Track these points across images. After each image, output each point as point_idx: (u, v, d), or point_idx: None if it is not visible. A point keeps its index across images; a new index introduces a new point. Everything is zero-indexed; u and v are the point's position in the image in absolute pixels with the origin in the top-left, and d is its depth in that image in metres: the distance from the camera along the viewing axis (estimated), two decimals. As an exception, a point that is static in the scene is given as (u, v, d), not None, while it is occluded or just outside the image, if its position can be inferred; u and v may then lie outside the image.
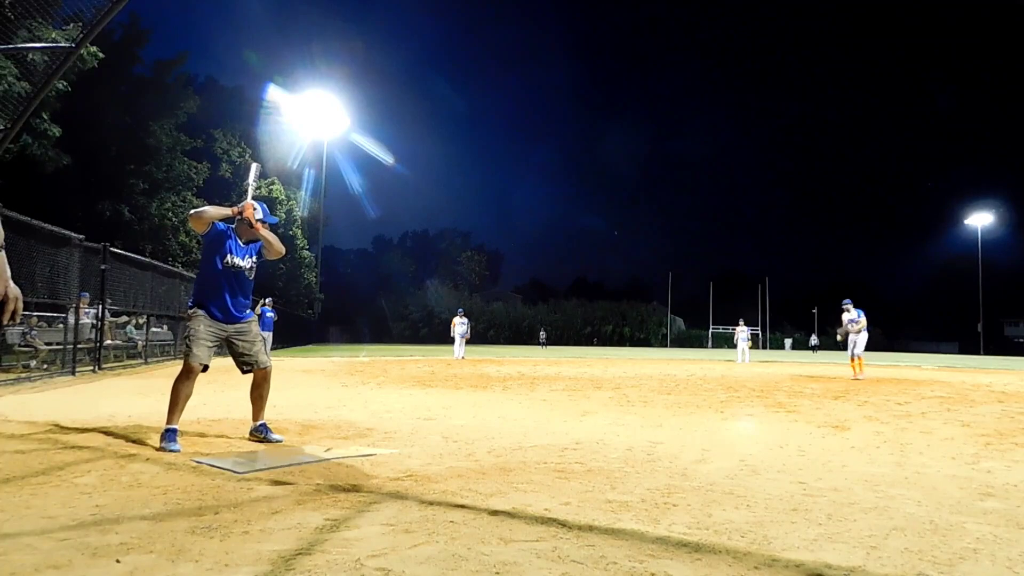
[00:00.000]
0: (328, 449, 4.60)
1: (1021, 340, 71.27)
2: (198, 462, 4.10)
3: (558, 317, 77.94)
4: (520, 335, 70.29)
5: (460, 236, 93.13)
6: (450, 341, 24.95)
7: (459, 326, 23.87)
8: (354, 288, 72.72)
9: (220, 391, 9.14)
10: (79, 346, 12.03)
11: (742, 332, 24.45)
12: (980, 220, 62.99)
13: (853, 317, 15.14)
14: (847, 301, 15.43)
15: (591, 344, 70.37)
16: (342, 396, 8.76)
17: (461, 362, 19.97)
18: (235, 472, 3.80)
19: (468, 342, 24.73)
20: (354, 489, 3.44)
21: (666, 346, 72.74)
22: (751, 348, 25.45)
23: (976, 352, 53.58)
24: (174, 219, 30.70)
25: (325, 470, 3.95)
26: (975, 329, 59.06)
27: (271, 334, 19.82)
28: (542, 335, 54.63)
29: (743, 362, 22.80)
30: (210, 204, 6.40)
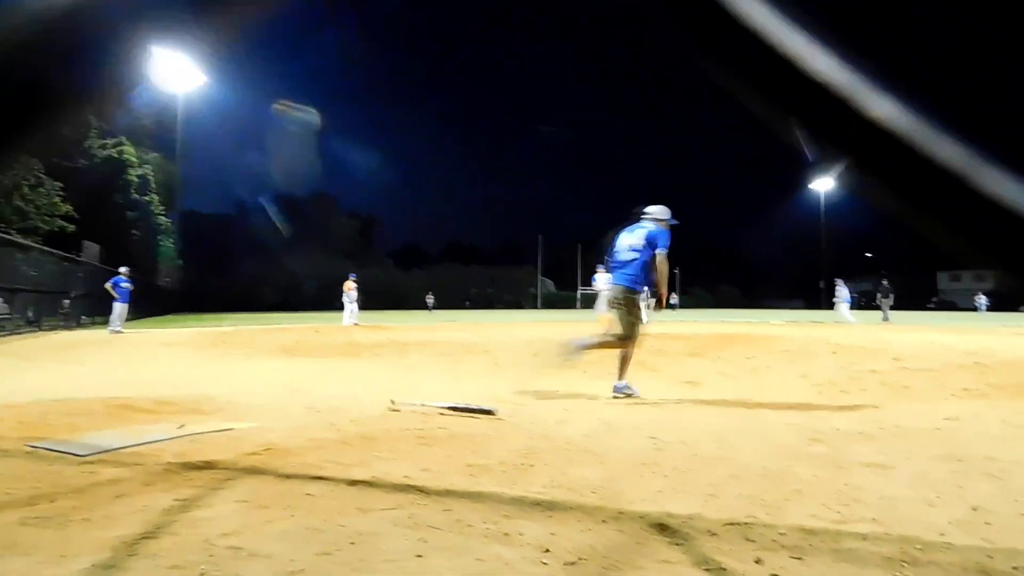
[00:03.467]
0: (182, 426, 4.40)
1: (857, 295, 78.07)
2: (33, 447, 3.81)
3: (433, 281, 77.83)
4: (396, 300, 69.54)
5: (330, 200, 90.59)
6: (332, 307, 24.51)
7: (352, 291, 23.47)
8: (218, 254, 69.15)
9: (63, 369, 8.54)
10: None
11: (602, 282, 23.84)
12: (823, 186, 67.54)
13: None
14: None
15: (463, 308, 70.80)
16: (203, 369, 8.40)
17: (331, 330, 19.56)
18: (76, 455, 3.57)
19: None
20: (208, 466, 3.32)
21: (536, 308, 74.30)
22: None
23: (819, 307, 58.14)
24: (7, 183, 28.00)
25: (178, 448, 3.78)
26: (817, 286, 64.35)
27: (127, 305, 18.71)
28: (430, 300, 54.11)
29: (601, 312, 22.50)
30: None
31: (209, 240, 68.90)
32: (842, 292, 24.57)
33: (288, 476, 3.15)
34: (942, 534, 2.37)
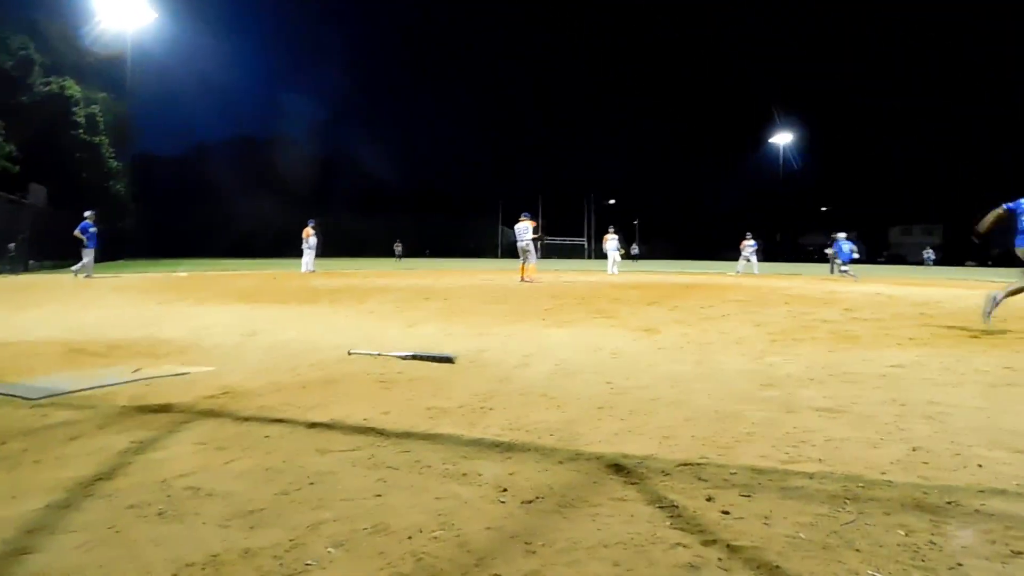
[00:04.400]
0: (137, 370, 4.34)
1: (811, 248, 79.65)
2: (-18, 390, 3.73)
3: (394, 229, 77.12)
4: (357, 248, 68.79)
5: (291, 143, 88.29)
6: (291, 254, 24.16)
7: (311, 238, 23.22)
8: (174, 198, 67.31)
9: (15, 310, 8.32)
10: None
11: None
12: (782, 139, 67.87)
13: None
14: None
15: (424, 255, 70.52)
16: (158, 314, 8.24)
17: (289, 276, 19.37)
18: (26, 399, 3.50)
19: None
20: (164, 409, 3.29)
21: (497, 257, 74.35)
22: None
23: (775, 260, 59.40)
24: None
25: (133, 391, 3.74)
26: (775, 239, 65.82)
27: (94, 250, 18.10)
28: (398, 248, 53.46)
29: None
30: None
31: (164, 184, 67.05)
32: (749, 246, 26.34)
33: (246, 419, 3.14)
34: (883, 473, 2.48)
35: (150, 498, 2.14)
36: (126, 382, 3.99)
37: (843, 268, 22.21)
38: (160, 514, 2.03)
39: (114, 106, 40.78)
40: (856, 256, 23.18)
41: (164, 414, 3.21)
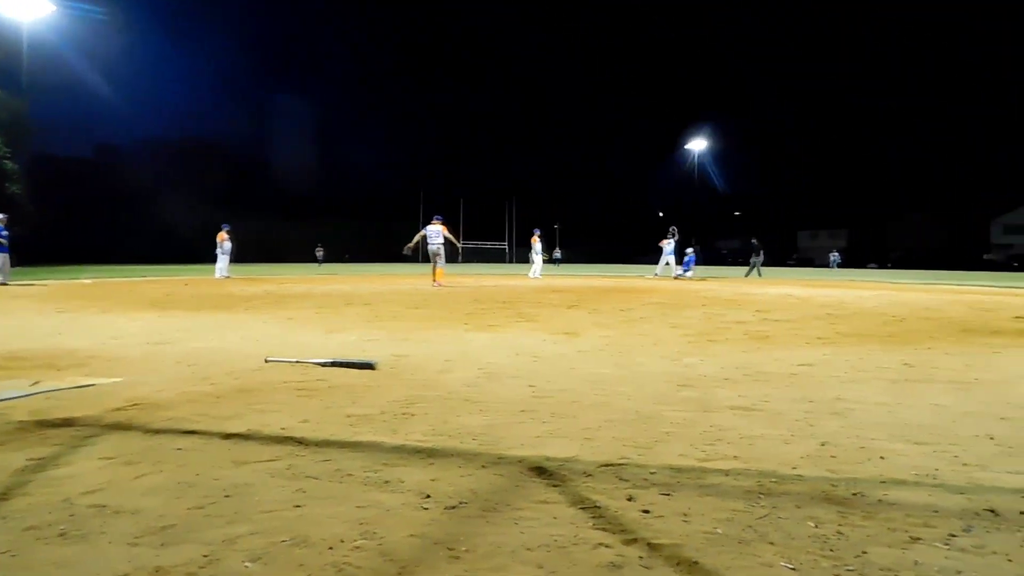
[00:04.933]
0: (36, 383, 4.10)
1: (725, 252, 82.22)
2: None
3: (315, 233, 75.49)
4: (277, 253, 67.02)
5: (205, 144, 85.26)
6: (205, 259, 23.51)
7: (225, 242, 22.57)
8: (75, 201, 64.02)
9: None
10: None
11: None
12: (697, 146, 69.64)
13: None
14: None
15: (343, 260, 69.43)
16: (59, 323, 7.81)
17: (203, 282, 18.71)
18: (-89, 416, 3.26)
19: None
20: (67, 424, 3.12)
21: (418, 261, 73.93)
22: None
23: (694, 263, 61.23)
24: None
25: (32, 406, 3.52)
26: (691, 242, 68.11)
27: (7, 256, 17.20)
28: (319, 252, 52.46)
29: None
30: None
31: (68, 186, 63.56)
32: (667, 247, 27.19)
33: (157, 431, 3.01)
34: (794, 468, 2.58)
35: (51, 518, 2.03)
36: (24, 396, 3.76)
37: (677, 271, 26.49)
38: (62, 535, 1.92)
39: (10, 103, 38.53)
40: (692, 266, 27.26)
41: (67, 428, 3.05)
